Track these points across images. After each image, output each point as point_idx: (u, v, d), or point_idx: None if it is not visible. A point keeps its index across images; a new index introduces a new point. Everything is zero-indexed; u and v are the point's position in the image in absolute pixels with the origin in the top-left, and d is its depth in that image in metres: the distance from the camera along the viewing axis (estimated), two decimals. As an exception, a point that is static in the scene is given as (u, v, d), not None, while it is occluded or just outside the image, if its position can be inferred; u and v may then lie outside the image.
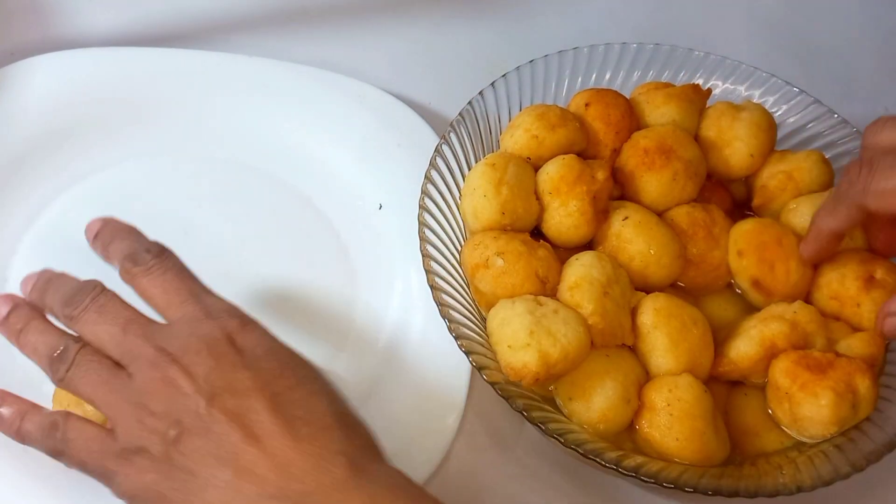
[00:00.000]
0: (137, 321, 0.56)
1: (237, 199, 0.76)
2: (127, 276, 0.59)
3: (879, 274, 0.66)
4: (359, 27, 0.88)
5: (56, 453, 0.56)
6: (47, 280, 0.60)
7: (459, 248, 0.67)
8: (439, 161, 0.69)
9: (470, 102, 0.72)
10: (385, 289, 0.72)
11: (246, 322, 0.56)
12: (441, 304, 0.62)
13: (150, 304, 0.58)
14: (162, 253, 0.59)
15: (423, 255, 0.65)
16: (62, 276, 0.60)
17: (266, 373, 0.54)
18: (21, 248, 0.71)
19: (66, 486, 0.61)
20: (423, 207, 0.67)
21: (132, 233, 0.61)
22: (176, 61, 0.79)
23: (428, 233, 0.66)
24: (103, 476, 0.54)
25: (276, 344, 0.56)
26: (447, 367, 0.67)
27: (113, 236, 0.60)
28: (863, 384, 0.61)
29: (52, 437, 0.56)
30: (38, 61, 0.77)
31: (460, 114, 0.71)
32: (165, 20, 0.85)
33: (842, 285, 0.66)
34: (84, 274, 0.69)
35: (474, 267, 0.64)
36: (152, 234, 0.70)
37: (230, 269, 0.71)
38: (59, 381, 0.56)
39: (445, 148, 0.70)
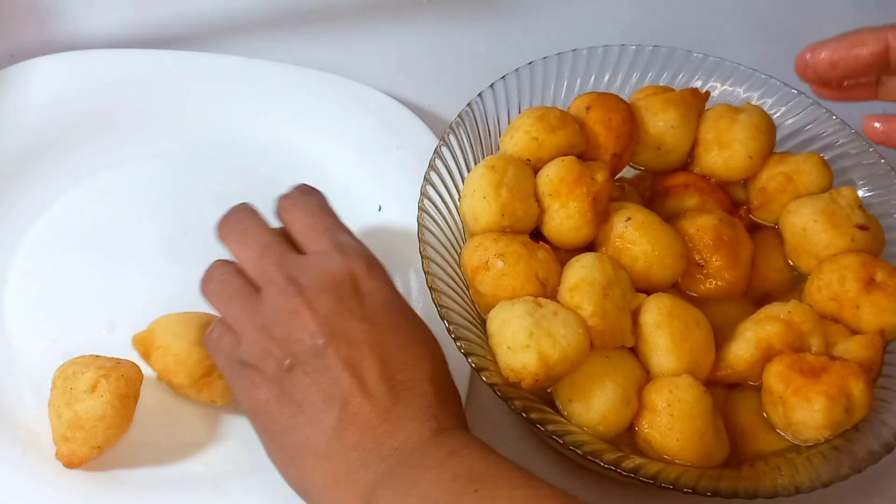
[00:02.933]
0: (275, 248, 0.61)
1: (237, 201, 0.75)
2: (280, 210, 0.64)
3: (880, 276, 0.66)
4: (359, 29, 0.88)
5: (207, 343, 0.62)
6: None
7: (459, 250, 0.67)
8: (438, 163, 0.69)
9: (469, 104, 0.72)
10: (384, 290, 0.72)
11: (371, 265, 0.60)
12: (440, 306, 0.62)
13: (292, 234, 0.63)
14: (308, 191, 0.65)
15: (422, 257, 0.65)
16: (235, 207, 0.65)
17: (381, 328, 0.58)
18: (21, 248, 0.71)
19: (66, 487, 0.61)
20: (422, 209, 0.67)
21: (298, 187, 0.66)
22: (176, 63, 0.80)
23: (427, 234, 0.66)
24: (229, 379, 0.60)
25: (394, 295, 0.60)
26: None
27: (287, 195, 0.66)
28: (857, 388, 0.61)
29: (209, 333, 0.61)
30: (38, 63, 0.78)
31: (459, 116, 0.71)
32: (165, 22, 0.85)
33: (842, 286, 0.66)
34: (84, 274, 0.70)
35: (474, 269, 0.64)
36: (152, 234, 0.71)
37: (230, 271, 0.71)
38: (203, 294, 0.62)
39: (445, 150, 0.70)
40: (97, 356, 0.62)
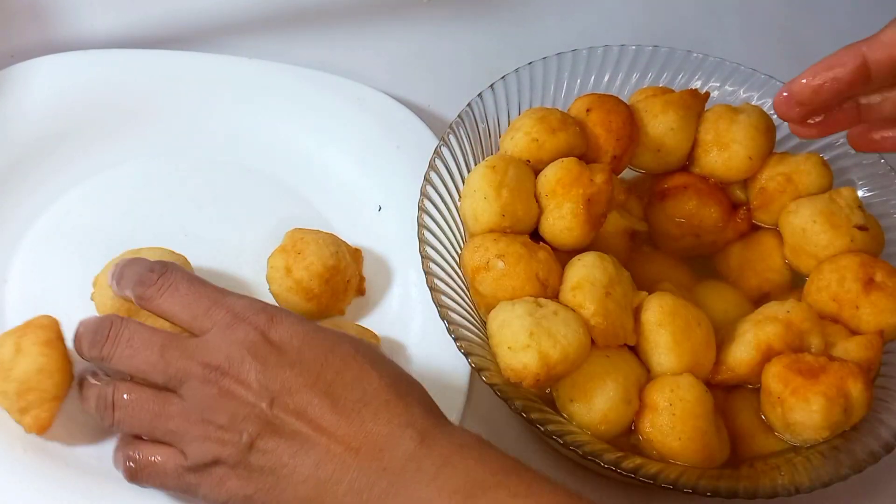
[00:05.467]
0: (172, 342, 0.57)
1: (237, 201, 0.76)
2: (143, 302, 0.60)
3: (879, 276, 0.66)
4: (358, 30, 0.88)
5: (133, 479, 0.58)
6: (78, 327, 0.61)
7: (458, 250, 0.67)
8: (438, 163, 0.69)
9: (469, 105, 0.72)
10: (384, 290, 0.72)
11: (272, 314, 0.57)
12: (440, 306, 0.63)
13: (174, 322, 0.59)
14: (166, 268, 0.60)
15: (422, 257, 0.65)
16: (83, 322, 0.60)
17: (311, 364, 0.56)
18: (21, 248, 0.71)
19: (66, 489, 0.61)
20: (422, 209, 0.67)
21: (134, 262, 0.61)
22: (176, 63, 0.79)
23: (427, 234, 0.66)
24: (187, 492, 0.57)
25: (308, 328, 0.58)
26: (446, 368, 0.67)
27: (119, 274, 0.61)
28: (855, 388, 0.61)
29: (127, 467, 0.58)
30: (39, 63, 0.77)
31: (459, 116, 0.71)
32: (165, 22, 0.85)
33: (841, 287, 0.66)
34: (83, 274, 0.69)
35: (475, 269, 0.64)
36: (152, 235, 0.71)
37: (230, 271, 0.71)
38: (110, 428, 0.58)
39: (444, 150, 0.70)
40: (7, 332, 0.62)
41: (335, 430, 0.54)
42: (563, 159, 0.67)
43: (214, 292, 0.59)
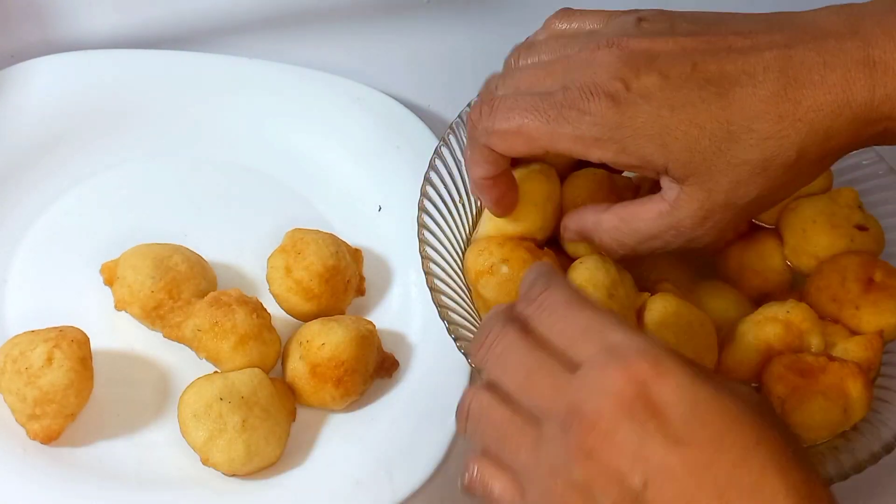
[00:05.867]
0: (542, 370, 0.49)
1: (237, 202, 0.76)
2: (526, 317, 0.52)
3: (879, 276, 0.66)
4: (358, 29, 0.88)
5: (466, 491, 0.51)
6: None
7: (459, 250, 0.67)
8: (438, 163, 0.69)
9: (469, 104, 0.72)
10: (384, 290, 0.72)
11: (657, 361, 0.46)
12: (440, 306, 0.63)
13: (550, 341, 0.50)
14: (549, 284, 0.52)
15: (422, 257, 0.65)
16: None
17: (699, 451, 0.45)
18: (21, 249, 0.71)
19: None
20: (422, 209, 0.67)
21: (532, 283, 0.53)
22: (175, 63, 0.80)
23: (427, 234, 0.66)
24: None
25: (699, 389, 0.46)
26: (447, 368, 0.67)
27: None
28: (855, 388, 0.61)
29: (464, 477, 0.51)
30: (38, 63, 0.78)
31: (459, 116, 0.71)
32: (165, 22, 0.85)
33: (841, 287, 0.66)
34: (83, 274, 0.69)
35: (478, 273, 0.64)
36: (152, 235, 0.70)
37: (230, 271, 0.71)
38: (465, 433, 0.52)
39: (444, 150, 0.70)
40: (34, 331, 0.62)
41: None
42: (593, 170, 0.67)
43: (589, 319, 0.49)
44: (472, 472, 0.51)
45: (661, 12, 0.59)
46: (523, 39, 0.63)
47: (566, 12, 0.62)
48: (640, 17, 0.58)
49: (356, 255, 0.71)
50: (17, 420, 0.62)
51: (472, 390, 0.52)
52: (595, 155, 0.57)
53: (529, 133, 0.57)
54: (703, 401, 0.46)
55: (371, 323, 0.68)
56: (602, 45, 0.57)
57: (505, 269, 0.63)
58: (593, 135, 0.56)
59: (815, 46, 0.54)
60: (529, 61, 0.61)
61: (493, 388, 0.50)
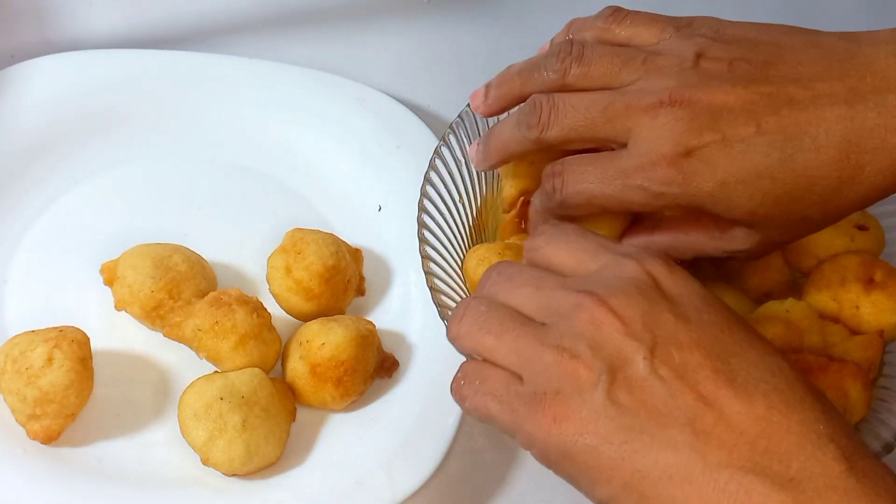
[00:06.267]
0: (550, 277, 0.50)
1: (237, 201, 0.76)
2: (532, 252, 0.53)
3: (880, 276, 0.66)
4: (358, 29, 0.88)
5: (458, 392, 0.50)
6: None
7: (459, 251, 0.67)
8: (438, 163, 0.69)
9: (469, 105, 0.72)
10: (384, 290, 0.72)
11: (672, 265, 0.49)
12: (440, 306, 0.63)
13: (562, 271, 0.51)
14: (558, 226, 0.54)
15: (422, 257, 0.65)
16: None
17: (711, 326, 0.47)
18: (21, 249, 0.71)
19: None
20: (422, 209, 0.67)
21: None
22: (176, 63, 0.79)
23: (427, 234, 0.66)
24: (509, 427, 0.48)
25: (710, 294, 0.49)
26: (447, 368, 0.67)
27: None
28: (854, 388, 0.61)
29: (456, 379, 0.50)
30: (39, 63, 0.77)
31: (459, 116, 0.71)
32: (165, 22, 0.85)
33: (841, 286, 0.66)
34: (83, 275, 0.69)
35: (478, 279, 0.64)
36: (152, 235, 0.70)
37: (230, 271, 0.71)
38: (452, 338, 0.51)
39: (445, 150, 0.70)
40: (34, 331, 0.63)
41: (728, 407, 0.44)
42: None
43: (605, 240, 0.52)
44: (466, 371, 0.50)
45: (715, 38, 0.58)
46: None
47: (617, 15, 0.61)
48: (699, 54, 0.57)
49: (356, 255, 0.71)
50: (17, 420, 0.62)
51: (468, 298, 0.52)
52: (664, 212, 0.60)
53: (601, 204, 0.58)
54: (709, 297, 0.49)
55: (371, 323, 0.68)
56: (665, 101, 0.56)
57: (503, 276, 0.63)
58: (662, 203, 0.57)
59: (875, 104, 0.55)
60: (580, 72, 0.59)
61: (490, 300, 0.50)
